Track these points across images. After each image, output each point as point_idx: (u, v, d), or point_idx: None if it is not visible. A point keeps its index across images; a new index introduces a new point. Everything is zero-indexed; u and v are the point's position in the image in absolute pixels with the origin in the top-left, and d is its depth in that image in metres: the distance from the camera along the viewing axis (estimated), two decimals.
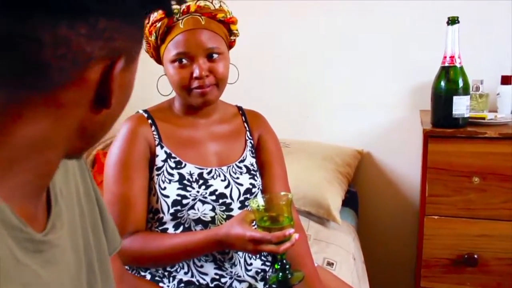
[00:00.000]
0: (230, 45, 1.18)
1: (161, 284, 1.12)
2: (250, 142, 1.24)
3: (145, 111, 1.17)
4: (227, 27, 1.13)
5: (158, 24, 1.08)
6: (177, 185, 1.10)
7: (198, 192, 1.10)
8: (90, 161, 2.07)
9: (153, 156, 1.13)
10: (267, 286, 1.17)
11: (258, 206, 1.02)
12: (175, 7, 1.04)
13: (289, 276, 1.03)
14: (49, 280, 0.50)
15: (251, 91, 2.06)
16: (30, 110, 0.46)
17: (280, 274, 1.04)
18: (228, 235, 1.00)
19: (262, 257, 1.19)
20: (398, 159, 2.07)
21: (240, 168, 1.19)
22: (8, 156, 0.47)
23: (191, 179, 1.11)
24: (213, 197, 1.11)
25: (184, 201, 1.09)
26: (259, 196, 1.08)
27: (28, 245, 0.47)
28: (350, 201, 1.98)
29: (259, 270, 1.17)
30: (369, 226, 2.13)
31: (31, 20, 0.43)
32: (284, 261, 1.03)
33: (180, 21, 1.07)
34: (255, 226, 1.04)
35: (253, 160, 1.22)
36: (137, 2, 0.49)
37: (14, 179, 0.47)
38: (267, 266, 1.19)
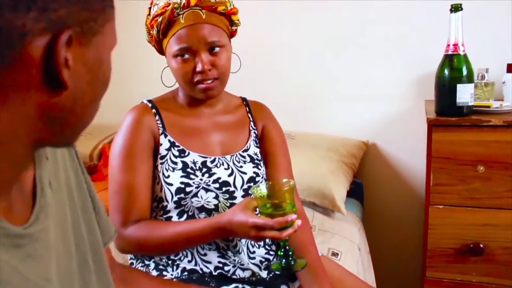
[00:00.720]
0: (232, 34, 1.18)
1: (164, 273, 1.13)
2: (254, 132, 1.24)
3: (149, 101, 1.18)
4: (228, 18, 1.13)
5: (159, 19, 1.09)
6: (180, 173, 1.11)
7: (201, 180, 1.11)
8: (96, 154, 2.09)
9: (157, 145, 1.14)
10: (270, 275, 1.18)
11: (260, 193, 1.02)
12: (176, 1, 1.05)
13: (292, 263, 1.04)
14: (30, 276, 0.47)
15: (257, 84, 2.07)
16: None
17: (283, 260, 1.04)
18: (231, 222, 1.01)
19: (266, 246, 1.20)
20: (403, 149, 2.06)
21: (244, 157, 1.19)
22: None
23: (194, 167, 1.12)
24: (217, 185, 1.12)
25: (188, 189, 1.10)
26: (262, 183, 1.09)
27: (5, 240, 0.45)
28: (356, 192, 1.98)
29: (263, 259, 1.18)
30: (375, 217, 2.13)
31: None
32: (287, 247, 1.04)
33: (181, 15, 1.07)
34: (258, 213, 1.05)
35: (257, 150, 1.23)
36: None
37: None
38: (271, 255, 1.20)
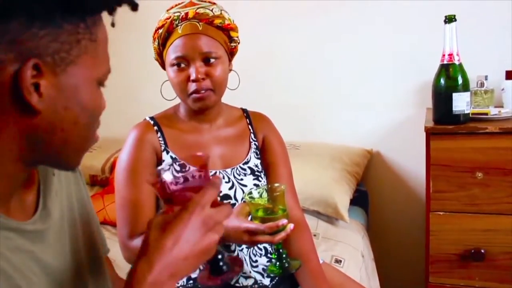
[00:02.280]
0: (232, 51, 1.22)
1: None
2: (255, 144, 1.27)
3: (152, 118, 1.23)
4: (226, 34, 1.17)
5: (160, 31, 1.15)
6: None
7: None
8: (108, 168, 2.16)
9: (159, 161, 1.18)
10: (273, 282, 1.21)
11: (252, 198, 1.06)
12: (176, 14, 1.10)
13: (286, 265, 1.07)
14: (21, 267, 0.54)
15: (261, 94, 2.12)
16: None
17: (277, 263, 1.07)
18: (226, 229, 1.05)
19: (268, 254, 1.24)
20: (407, 157, 2.09)
21: (244, 169, 1.23)
22: None
23: None
24: (217, 199, 1.16)
25: None
26: (254, 189, 1.11)
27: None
28: (360, 200, 2.01)
29: (265, 267, 1.21)
30: (379, 225, 2.16)
31: None
32: (281, 250, 1.07)
33: (179, 26, 1.13)
34: (251, 219, 1.08)
35: (258, 162, 1.26)
36: (42, 4, 0.49)
37: None
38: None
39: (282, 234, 1.01)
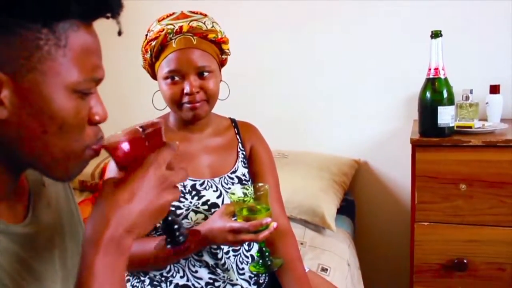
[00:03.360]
0: (222, 63, 1.24)
1: None
2: (242, 154, 1.29)
3: (141, 126, 1.25)
4: (218, 47, 1.19)
5: (153, 43, 1.16)
6: None
7: (191, 202, 1.17)
8: (98, 173, 2.16)
9: None
10: None
11: (236, 197, 1.08)
12: (169, 27, 1.12)
13: (269, 263, 1.10)
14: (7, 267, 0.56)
15: (252, 104, 2.15)
16: None
17: (260, 261, 1.10)
18: (211, 230, 1.06)
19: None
20: (394, 168, 2.12)
21: (232, 178, 1.25)
22: None
23: (184, 191, 1.18)
24: (205, 207, 1.18)
25: (178, 212, 1.15)
26: (238, 188, 1.12)
27: None
28: (347, 209, 2.03)
29: (252, 275, 1.23)
30: (365, 234, 2.19)
31: None
32: (264, 248, 1.09)
33: (173, 40, 1.14)
34: (235, 218, 1.09)
35: (245, 171, 1.28)
36: None
37: None
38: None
39: (265, 232, 1.03)
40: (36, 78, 0.52)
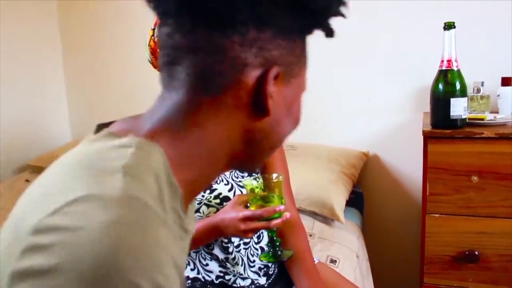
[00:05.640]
0: None
1: None
2: None
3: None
4: None
5: None
6: None
7: (203, 196, 1.17)
8: None
9: None
10: (269, 280, 1.23)
11: (251, 185, 1.07)
12: None
13: (279, 253, 1.09)
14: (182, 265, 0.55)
15: None
16: (204, 112, 0.52)
17: (271, 250, 1.09)
18: (223, 220, 1.06)
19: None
20: (403, 160, 2.12)
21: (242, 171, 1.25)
22: (191, 152, 0.53)
23: None
24: (217, 200, 1.18)
25: None
26: (251, 178, 1.13)
27: (179, 230, 0.53)
28: (356, 201, 2.03)
29: (262, 266, 1.23)
30: (374, 226, 2.18)
31: (193, 33, 0.51)
32: (274, 238, 1.09)
33: None
34: (248, 207, 1.09)
35: None
36: (290, 19, 0.53)
37: (191, 173, 0.53)
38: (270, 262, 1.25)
39: (278, 220, 1.02)
40: (295, 83, 0.57)
